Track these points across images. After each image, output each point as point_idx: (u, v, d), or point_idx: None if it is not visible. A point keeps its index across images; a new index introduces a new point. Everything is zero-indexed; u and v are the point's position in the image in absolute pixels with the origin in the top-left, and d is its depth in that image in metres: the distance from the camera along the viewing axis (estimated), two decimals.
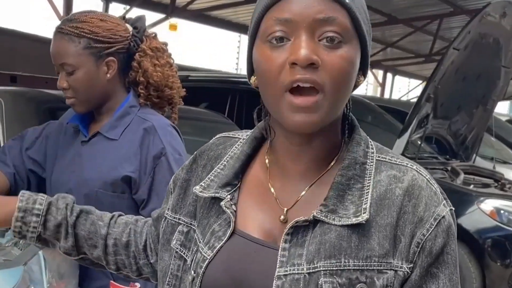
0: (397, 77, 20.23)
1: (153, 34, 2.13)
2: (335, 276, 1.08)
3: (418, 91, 21.46)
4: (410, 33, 13.86)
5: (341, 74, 1.07)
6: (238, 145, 1.28)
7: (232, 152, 1.28)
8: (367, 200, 1.11)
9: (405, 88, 23.10)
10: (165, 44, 2.15)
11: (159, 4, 10.83)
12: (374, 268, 1.09)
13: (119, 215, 1.47)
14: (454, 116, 6.45)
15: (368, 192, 1.12)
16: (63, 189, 1.95)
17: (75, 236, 1.42)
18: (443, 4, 11.59)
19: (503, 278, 5.23)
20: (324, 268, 1.09)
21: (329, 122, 1.11)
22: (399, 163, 1.16)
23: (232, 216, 1.18)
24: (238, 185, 1.23)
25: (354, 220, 1.09)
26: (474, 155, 7.01)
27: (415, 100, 6.93)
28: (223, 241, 1.17)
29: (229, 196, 1.21)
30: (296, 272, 1.10)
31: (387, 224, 1.10)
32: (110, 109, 2.05)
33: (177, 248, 1.27)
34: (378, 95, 18.37)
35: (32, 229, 1.40)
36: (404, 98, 17.47)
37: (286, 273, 1.10)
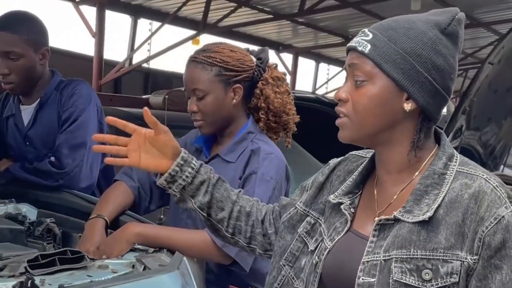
0: None
1: (274, 65, 2.34)
2: (404, 263, 1.40)
3: None
4: None
5: (359, 105, 1.47)
6: (366, 162, 1.64)
7: (360, 167, 1.64)
8: (437, 203, 1.41)
9: None
10: (284, 74, 2.37)
11: (191, 21, 11.20)
12: (440, 258, 1.38)
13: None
14: (484, 128, 6.66)
15: (441, 196, 1.42)
16: None
17: (211, 195, 1.75)
18: None
19: None
20: (396, 256, 1.41)
21: (360, 138, 1.51)
22: (473, 173, 1.44)
23: (349, 216, 1.56)
24: (359, 193, 1.60)
25: (421, 218, 1.40)
26: (502, 165, 7.20)
27: None
28: (340, 236, 1.55)
29: (349, 201, 1.58)
30: (375, 259, 1.44)
31: (454, 222, 1.39)
32: (231, 133, 2.27)
33: (302, 234, 1.66)
34: None
35: (184, 177, 1.73)
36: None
37: (368, 260, 1.45)
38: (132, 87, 10.01)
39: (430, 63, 1.44)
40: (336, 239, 1.54)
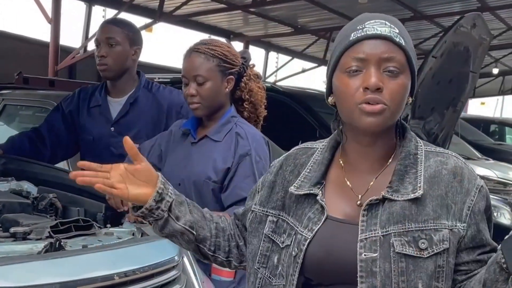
0: None
1: (253, 65, 2.71)
2: (402, 236, 1.50)
3: None
4: None
5: (398, 95, 1.51)
6: (318, 152, 1.70)
7: (314, 159, 1.69)
8: (421, 180, 1.54)
9: None
10: (259, 72, 2.75)
11: (146, 9, 11.38)
12: (431, 227, 1.51)
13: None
14: (428, 117, 7.07)
15: (421, 174, 1.55)
16: (176, 180, 2.47)
17: (191, 214, 1.71)
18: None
19: None
20: (394, 231, 1.51)
21: (389, 125, 1.55)
22: (442, 152, 1.60)
23: (325, 205, 1.59)
24: (324, 183, 1.64)
25: (412, 196, 1.52)
26: None
27: None
28: (319, 225, 1.58)
29: (320, 191, 1.62)
30: (374, 235, 1.52)
31: (438, 195, 1.53)
32: (216, 118, 2.61)
33: (269, 234, 1.67)
34: None
35: (169, 194, 1.65)
36: None
37: (366, 237, 1.52)
38: (87, 73, 10.09)
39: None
40: (316, 229, 1.58)
